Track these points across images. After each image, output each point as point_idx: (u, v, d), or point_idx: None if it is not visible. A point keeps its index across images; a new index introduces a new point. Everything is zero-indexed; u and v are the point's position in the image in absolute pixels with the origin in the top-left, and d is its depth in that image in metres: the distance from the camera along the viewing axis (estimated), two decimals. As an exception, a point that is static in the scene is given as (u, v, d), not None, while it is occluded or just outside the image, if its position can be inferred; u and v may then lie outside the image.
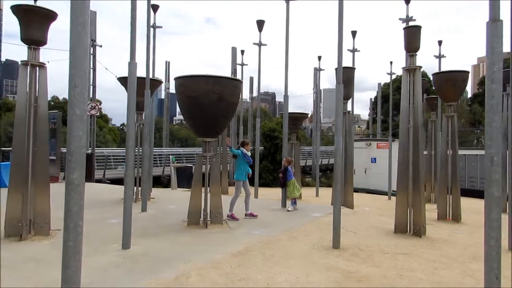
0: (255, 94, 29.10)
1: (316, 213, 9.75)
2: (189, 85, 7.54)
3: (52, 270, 5.10)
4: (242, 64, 20.58)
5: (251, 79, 30.60)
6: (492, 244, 3.42)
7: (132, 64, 6.21)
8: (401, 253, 6.49)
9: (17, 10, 6.65)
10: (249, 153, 9.18)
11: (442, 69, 13.99)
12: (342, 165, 11.69)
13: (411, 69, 8.15)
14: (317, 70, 18.70)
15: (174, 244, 6.55)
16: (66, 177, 2.85)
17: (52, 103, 45.39)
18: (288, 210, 10.09)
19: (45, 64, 6.97)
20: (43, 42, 6.96)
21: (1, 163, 15.63)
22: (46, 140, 6.95)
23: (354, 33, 14.76)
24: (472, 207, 12.97)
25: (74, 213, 2.83)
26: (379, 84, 34.83)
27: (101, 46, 17.55)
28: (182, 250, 6.18)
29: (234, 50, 21.25)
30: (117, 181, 17.18)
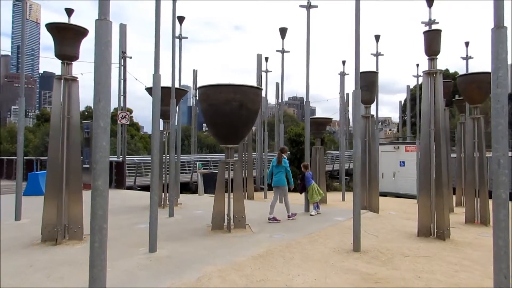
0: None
1: (339, 217, 9.82)
2: (211, 93, 7.83)
3: (83, 272, 5.41)
4: (267, 71, 20.85)
5: (277, 85, 30.82)
6: (500, 244, 3.48)
7: (156, 76, 6.55)
8: (422, 255, 6.51)
9: (51, 28, 7.16)
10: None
11: (475, 70, 13.75)
12: (364, 169, 11.71)
13: (431, 72, 8.14)
14: (342, 75, 18.70)
15: (198, 247, 6.81)
16: (92, 184, 3.13)
17: (86, 113, 47.19)
18: (311, 215, 10.22)
19: (77, 78, 7.44)
20: (75, 57, 7.44)
21: (40, 172, 16.48)
22: (78, 149, 7.39)
23: (377, 37, 14.75)
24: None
25: (99, 216, 3.12)
26: (408, 86, 34.25)
27: (131, 57, 18.23)
28: (205, 253, 6.43)
29: (259, 57, 21.55)
30: (148, 188, 17.59)
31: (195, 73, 29.35)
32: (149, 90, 11.34)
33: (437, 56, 8.18)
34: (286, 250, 6.60)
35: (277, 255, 6.29)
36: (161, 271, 5.49)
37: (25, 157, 21.31)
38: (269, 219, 9.17)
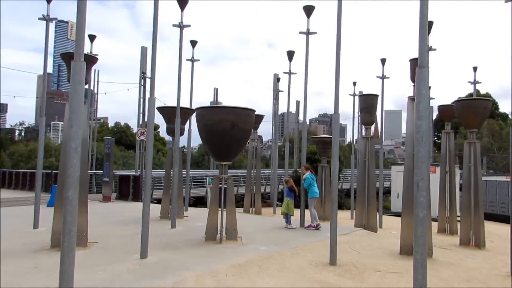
0: (310, 117, 29.83)
1: (331, 233, 10.21)
2: (206, 114, 8.56)
3: (80, 273, 6.14)
4: (287, 91, 21.53)
5: (298, 102, 31.41)
6: (418, 257, 3.94)
7: (151, 100, 7.34)
8: (393, 272, 6.87)
9: (64, 57, 8.10)
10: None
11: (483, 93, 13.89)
12: (364, 188, 12.10)
13: (414, 98, 8.57)
14: (353, 96, 19.14)
15: (187, 256, 7.44)
16: (64, 194, 3.82)
17: (115, 129, 49.20)
18: (287, 227, 10.95)
19: (86, 100, 8.32)
20: (86, 82, 8.33)
21: (54, 185, 17.62)
22: (85, 163, 8.23)
23: (383, 61, 15.19)
24: (503, 234, 12.67)
25: (68, 221, 3.79)
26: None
27: (149, 77, 19.42)
28: (191, 261, 7.04)
29: (275, 76, 22.34)
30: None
31: (215, 91, 30.42)
32: (159, 109, 12.24)
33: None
34: (266, 261, 7.12)
35: (255, 265, 6.82)
36: (145, 275, 6.13)
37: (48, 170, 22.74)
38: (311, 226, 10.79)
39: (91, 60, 8.19)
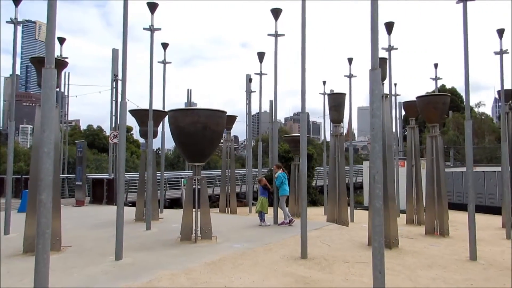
0: (285, 115, 30.13)
1: (304, 229, 10.54)
2: (178, 116, 8.71)
3: (53, 277, 6.24)
4: (259, 92, 21.76)
5: (271, 102, 31.74)
6: (376, 245, 4.26)
7: (123, 104, 7.45)
8: (361, 262, 7.22)
9: (33, 61, 8.10)
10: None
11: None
12: (335, 184, 12.50)
13: (378, 95, 8.96)
14: (323, 94, 19.55)
15: (161, 256, 7.58)
16: (38, 197, 3.93)
17: (87, 132, 48.38)
18: (261, 225, 11.32)
19: (57, 105, 8.34)
20: (56, 87, 8.35)
21: (24, 190, 17.37)
22: (57, 168, 8.25)
23: (350, 60, 15.65)
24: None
25: (43, 223, 3.91)
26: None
27: (121, 80, 19.40)
28: (166, 260, 7.19)
29: (247, 77, 22.57)
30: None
31: (189, 92, 30.43)
32: (132, 112, 12.30)
33: (384, 82, 9.02)
34: (239, 258, 7.35)
35: (229, 262, 7.04)
36: (120, 276, 6.25)
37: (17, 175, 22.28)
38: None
39: (61, 64, 8.21)
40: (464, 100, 7.90)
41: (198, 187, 9.14)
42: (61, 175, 21.99)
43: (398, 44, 12.78)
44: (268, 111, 32.27)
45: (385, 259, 7.46)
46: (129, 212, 15.19)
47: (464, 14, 7.78)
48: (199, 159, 8.99)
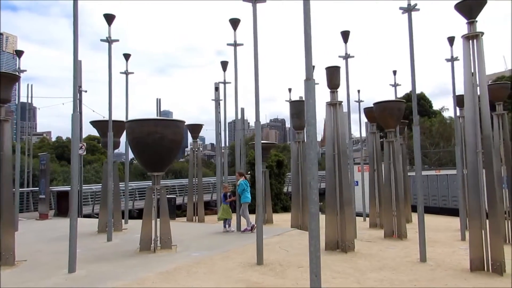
0: (261, 122, 30.08)
1: (266, 235, 10.65)
2: (136, 127, 8.74)
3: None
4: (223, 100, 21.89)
5: (242, 110, 31.92)
6: (312, 249, 4.42)
7: (75, 116, 7.46)
8: (314, 266, 7.40)
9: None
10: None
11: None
12: (298, 190, 12.73)
13: (333, 103, 9.24)
14: (288, 102, 19.89)
15: (117, 267, 7.56)
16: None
17: (57, 143, 47.34)
18: (227, 231, 11.56)
19: (8, 119, 8.24)
20: (8, 100, 8.27)
21: None
22: (10, 181, 8.14)
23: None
24: (431, 225, 13.77)
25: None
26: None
27: (86, 91, 19.19)
28: (121, 271, 7.17)
29: (215, 85, 22.67)
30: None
31: (158, 101, 30.20)
32: (93, 123, 12.23)
33: (337, 90, 9.30)
34: (195, 266, 7.41)
35: (184, 270, 7.09)
36: (71, 288, 6.23)
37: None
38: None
39: (14, 78, 8.15)
40: (412, 107, 8.23)
41: (158, 196, 9.17)
42: (25, 189, 21.56)
43: (364, 50, 13.13)
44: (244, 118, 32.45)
45: (338, 263, 7.75)
46: (93, 224, 15.00)
47: (410, 23, 8.13)
48: (158, 169, 9.02)
